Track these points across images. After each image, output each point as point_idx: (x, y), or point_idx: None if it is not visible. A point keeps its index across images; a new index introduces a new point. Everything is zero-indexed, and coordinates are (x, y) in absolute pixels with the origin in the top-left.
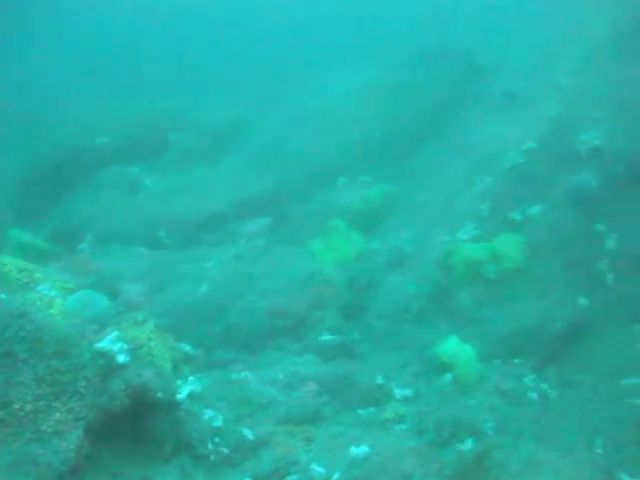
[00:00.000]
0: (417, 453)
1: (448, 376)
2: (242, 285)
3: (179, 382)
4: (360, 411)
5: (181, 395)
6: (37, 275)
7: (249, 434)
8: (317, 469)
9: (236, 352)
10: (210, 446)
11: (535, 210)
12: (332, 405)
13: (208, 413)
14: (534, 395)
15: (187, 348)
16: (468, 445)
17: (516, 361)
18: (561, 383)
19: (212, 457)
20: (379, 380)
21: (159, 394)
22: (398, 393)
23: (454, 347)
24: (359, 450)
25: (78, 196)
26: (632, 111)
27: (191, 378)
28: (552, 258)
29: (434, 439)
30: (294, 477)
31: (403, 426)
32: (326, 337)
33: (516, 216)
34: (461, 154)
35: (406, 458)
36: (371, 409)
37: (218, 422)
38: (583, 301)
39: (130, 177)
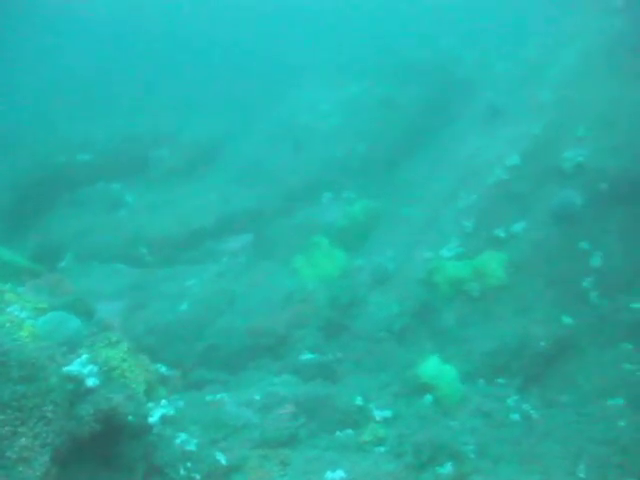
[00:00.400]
0: (394, 477)
1: (429, 397)
2: (223, 304)
3: (151, 405)
4: (338, 433)
5: (153, 418)
6: (8, 296)
7: (222, 459)
8: None
9: (216, 372)
10: (182, 471)
11: (519, 227)
12: (309, 427)
13: (181, 437)
14: (516, 416)
15: (163, 369)
16: (447, 469)
17: (500, 380)
18: (544, 403)
19: None
20: (358, 401)
21: (130, 418)
22: (377, 415)
23: (435, 368)
24: (335, 475)
25: (59, 213)
26: (616, 127)
27: (164, 401)
28: (536, 276)
29: (412, 462)
30: None
31: (382, 449)
32: (306, 356)
33: (500, 233)
34: (445, 169)
35: None
36: (349, 431)
37: (191, 446)
38: (567, 319)
39: (112, 194)
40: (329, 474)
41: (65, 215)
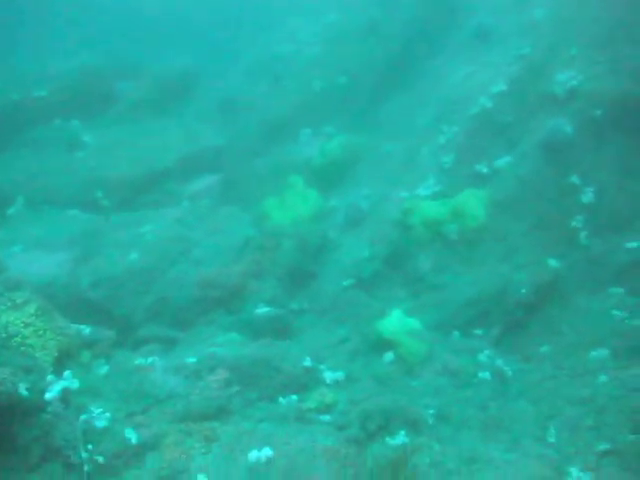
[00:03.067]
0: (332, 454)
1: (389, 355)
2: (176, 252)
3: (51, 378)
4: (281, 400)
5: (51, 393)
6: None
7: (133, 437)
8: None
9: (164, 328)
10: (84, 453)
11: (503, 162)
12: (243, 396)
13: (90, 412)
14: (486, 375)
15: (87, 331)
16: (400, 439)
17: (476, 331)
18: (522, 357)
19: (86, 466)
20: (307, 362)
21: (24, 393)
22: (328, 377)
23: (397, 322)
24: (261, 454)
25: (10, 155)
26: (614, 46)
27: (67, 372)
28: (520, 215)
29: (357, 434)
30: None
31: (327, 417)
32: (262, 310)
33: (482, 169)
34: (429, 101)
35: (317, 461)
36: (293, 397)
37: (102, 422)
38: (553, 262)
39: (69, 133)
40: (254, 453)
41: (16, 156)
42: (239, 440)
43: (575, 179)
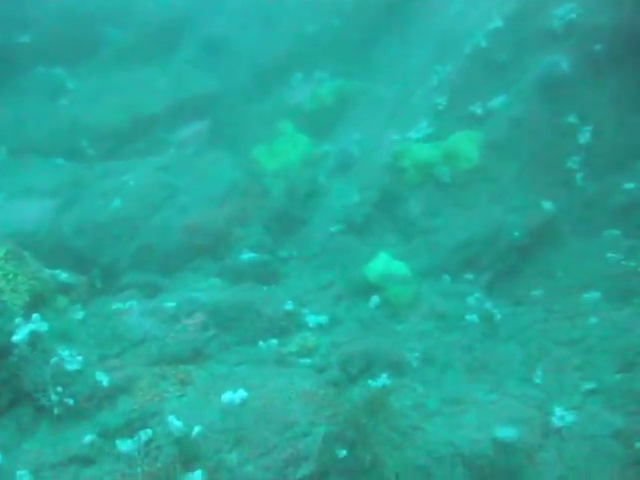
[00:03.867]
0: (310, 396)
1: (375, 299)
2: (160, 199)
3: (19, 320)
4: (261, 343)
5: (18, 336)
6: None
7: (104, 379)
8: (175, 423)
9: (149, 275)
10: (54, 396)
11: (498, 102)
12: (220, 340)
13: (62, 355)
14: (474, 318)
15: (63, 276)
16: (381, 381)
17: (467, 276)
18: (513, 301)
19: (56, 409)
20: (288, 306)
21: None
22: (311, 321)
23: (384, 265)
24: (235, 395)
25: None
26: None
27: (35, 315)
28: (514, 157)
29: (337, 377)
30: (148, 432)
31: (307, 360)
32: (246, 256)
33: (476, 109)
34: (423, 42)
35: (294, 403)
36: (273, 341)
37: (74, 365)
38: (547, 205)
39: (52, 80)
40: (228, 394)
41: None
42: (214, 383)
43: (572, 118)
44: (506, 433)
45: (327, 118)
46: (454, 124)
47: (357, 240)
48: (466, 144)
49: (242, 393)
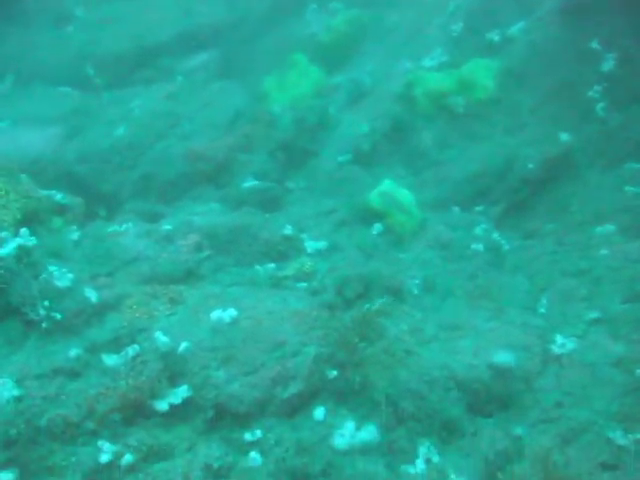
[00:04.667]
0: (302, 317)
1: (378, 226)
2: (164, 127)
3: (4, 234)
4: (257, 267)
5: (5, 250)
6: None
7: (93, 296)
8: (161, 338)
9: (150, 203)
10: (42, 311)
11: (516, 28)
12: (215, 261)
13: (51, 271)
14: (479, 247)
15: (59, 197)
16: (377, 305)
17: (477, 209)
18: (523, 234)
19: (44, 324)
20: (287, 231)
21: None
22: (310, 246)
23: (388, 192)
24: (225, 314)
25: None
26: None
27: (24, 230)
28: (532, 86)
29: (332, 300)
30: (135, 347)
31: (304, 285)
32: (249, 183)
33: (493, 37)
34: None
35: (285, 323)
36: (270, 265)
37: (63, 282)
38: (564, 137)
39: (59, 6)
40: (217, 312)
41: (3, 32)
42: (206, 303)
43: (595, 45)
44: (503, 358)
45: (342, 49)
46: (470, 52)
47: (365, 171)
48: (482, 73)
49: (232, 312)
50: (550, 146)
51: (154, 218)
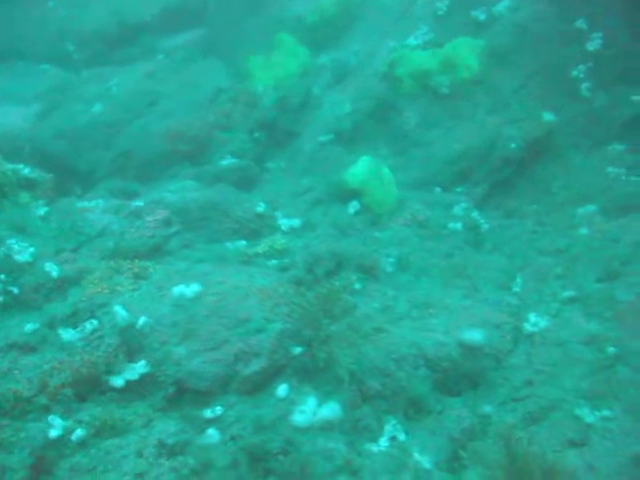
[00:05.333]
0: (268, 293)
1: (355, 204)
2: (143, 105)
3: None
4: (228, 244)
5: None
6: None
7: (54, 271)
8: (120, 312)
9: (126, 182)
10: None
11: (502, 6)
12: (184, 237)
13: (14, 245)
14: (458, 226)
15: (26, 171)
16: (343, 282)
17: (459, 189)
18: (504, 214)
19: (0, 298)
20: (260, 208)
21: None
22: (283, 224)
23: (366, 169)
24: (188, 289)
25: None
26: None
27: None
28: (517, 65)
29: (301, 276)
30: (93, 322)
31: (274, 262)
32: (227, 161)
33: (479, 15)
34: None
35: (250, 299)
36: (242, 242)
37: (24, 256)
38: (548, 117)
39: None
40: (180, 287)
41: None
42: (171, 278)
43: (581, 24)
44: (474, 336)
45: (330, 30)
46: (455, 30)
47: (346, 151)
48: (466, 52)
49: (195, 287)
50: (533, 126)
51: (129, 196)
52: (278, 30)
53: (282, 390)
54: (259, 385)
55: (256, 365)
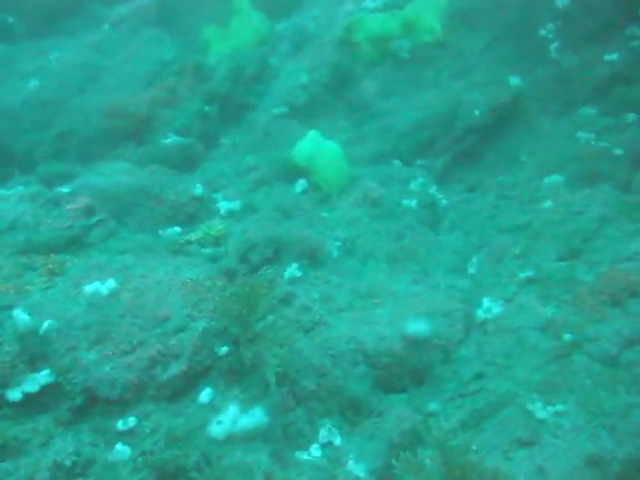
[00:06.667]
0: (192, 287)
1: (302, 183)
2: (83, 80)
3: None
4: (160, 232)
5: None
6: None
7: None
8: (21, 316)
9: (68, 164)
10: None
11: None
12: (107, 226)
13: None
14: (412, 203)
15: None
16: (291, 271)
17: (421, 161)
18: (466, 187)
19: None
20: (197, 190)
21: None
22: (223, 207)
23: (313, 146)
24: (103, 286)
25: None
26: None
27: None
28: (482, 26)
29: (234, 266)
30: None
31: (209, 250)
32: (170, 139)
33: None
34: None
35: (173, 295)
36: (176, 229)
37: None
38: (515, 81)
39: None
40: (94, 285)
41: None
42: (89, 274)
43: None
44: (418, 327)
45: None
46: None
47: (302, 124)
48: (428, 13)
49: (111, 283)
50: (499, 91)
51: (68, 180)
52: None
53: (205, 395)
54: (180, 390)
55: (175, 368)
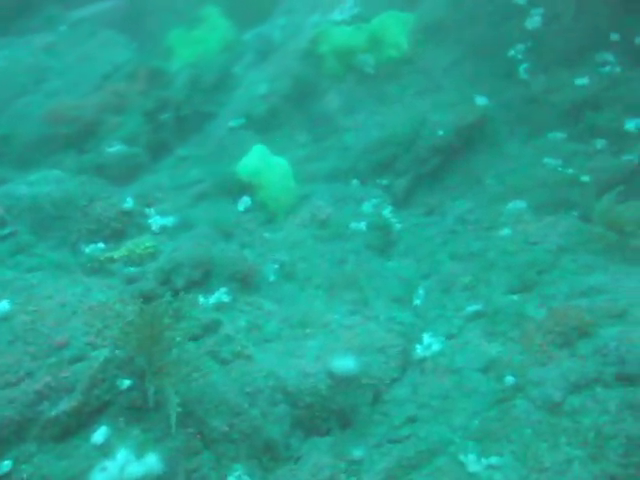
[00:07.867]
0: (100, 311)
1: (246, 200)
2: (28, 82)
3: None
4: (83, 247)
5: None
6: None
7: None
8: None
9: (5, 170)
10: None
11: None
12: (19, 240)
13: None
14: (361, 226)
15: None
16: (218, 296)
17: (381, 181)
18: (425, 210)
19: None
20: (127, 204)
21: None
22: (155, 223)
23: (259, 161)
24: None
25: None
26: None
27: None
28: (450, 43)
29: (153, 289)
30: None
31: (132, 270)
32: (114, 148)
33: None
34: None
35: (76, 319)
36: (100, 245)
37: None
38: (482, 100)
39: None
40: None
41: None
42: None
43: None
44: (345, 364)
45: (259, 2)
46: (384, 3)
47: (259, 137)
48: (395, 27)
49: (5, 305)
50: (465, 111)
51: None
52: (202, 1)
53: (99, 435)
54: (71, 429)
55: (65, 404)
